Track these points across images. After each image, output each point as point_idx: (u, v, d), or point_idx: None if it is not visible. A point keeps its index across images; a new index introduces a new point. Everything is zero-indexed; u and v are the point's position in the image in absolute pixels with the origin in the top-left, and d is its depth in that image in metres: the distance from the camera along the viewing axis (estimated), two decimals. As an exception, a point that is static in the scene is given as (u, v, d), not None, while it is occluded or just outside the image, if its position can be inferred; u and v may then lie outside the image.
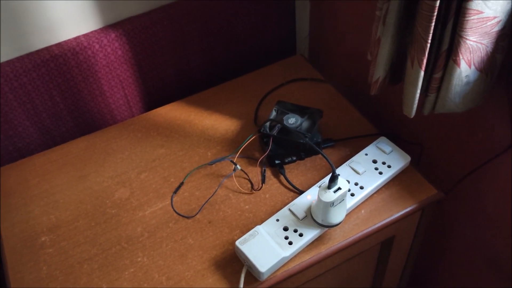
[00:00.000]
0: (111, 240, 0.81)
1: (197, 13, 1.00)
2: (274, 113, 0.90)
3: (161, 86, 1.06)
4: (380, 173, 0.83)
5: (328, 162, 0.71)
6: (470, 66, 0.70)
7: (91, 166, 0.92)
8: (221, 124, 0.97)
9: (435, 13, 0.65)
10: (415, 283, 1.20)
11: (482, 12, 0.64)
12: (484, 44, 0.68)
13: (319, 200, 0.72)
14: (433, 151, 0.95)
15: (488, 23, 0.66)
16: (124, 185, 0.88)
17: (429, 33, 0.67)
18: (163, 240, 0.80)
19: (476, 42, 0.67)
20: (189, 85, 1.10)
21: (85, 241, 0.81)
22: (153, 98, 1.07)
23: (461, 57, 0.68)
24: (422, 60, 0.70)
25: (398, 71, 0.81)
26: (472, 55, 0.69)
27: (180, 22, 0.99)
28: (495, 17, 0.65)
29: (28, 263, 0.79)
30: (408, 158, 0.85)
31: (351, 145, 0.91)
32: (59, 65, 0.91)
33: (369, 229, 0.79)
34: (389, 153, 0.85)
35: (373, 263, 0.94)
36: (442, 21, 0.68)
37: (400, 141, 0.89)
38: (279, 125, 0.86)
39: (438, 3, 0.64)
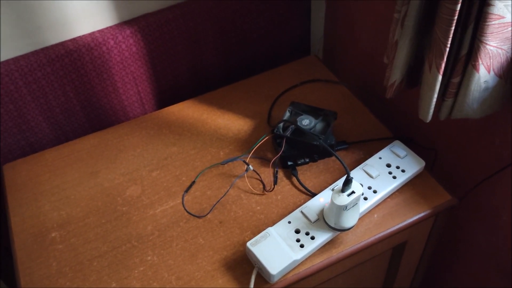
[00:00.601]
0: (121, 238, 0.80)
1: (212, 11, 1.00)
2: (287, 114, 0.89)
3: (174, 84, 1.06)
4: (394, 177, 0.82)
5: (343, 165, 0.70)
6: (489, 72, 0.69)
7: (102, 162, 0.92)
8: (233, 124, 0.97)
9: (456, 17, 0.64)
10: (425, 289, 1.19)
11: (503, 17, 0.63)
12: (504, 50, 0.67)
13: (332, 203, 0.71)
14: (447, 156, 0.94)
15: (509, 28, 0.65)
16: (135, 182, 0.88)
17: (449, 37, 0.66)
18: (173, 239, 0.80)
19: (496, 48, 0.66)
20: (202, 83, 1.09)
21: (95, 238, 0.81)
22: (166, 96, 1.07)
23: (480, 62, 0.67)
24: (441, 64, 0.69)
25: (414, 75, 0.80)
26: (491, 60, 0.68)
27: (195, 20, 0.99)
28: (516, 23, 0.64)
29: (38, 259, 0.79)
30: (423, 163, 0.84)
31: (365, 148, 0.90)
32: (74, 61, 0.91)
33: (382, 234, 0.78)
34: (403, 157, 0.84)
35: (384, 268, 0.93)
36: (462, 25, 0.67)
37: (414, 145, 0.88)
38: (293, 126, 0.86)
39: (459, 6, 0.63)
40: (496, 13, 0.62)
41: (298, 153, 0.87)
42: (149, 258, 0.78)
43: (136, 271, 0.76)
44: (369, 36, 1.04)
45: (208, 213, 0.82)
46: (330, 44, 1.18)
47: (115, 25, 0.94)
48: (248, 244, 0.74)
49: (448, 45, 0.67)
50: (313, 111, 0.90)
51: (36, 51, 0.89)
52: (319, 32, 1.18)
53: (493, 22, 0.63)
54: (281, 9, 1.08)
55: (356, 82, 1.10)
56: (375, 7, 0.98)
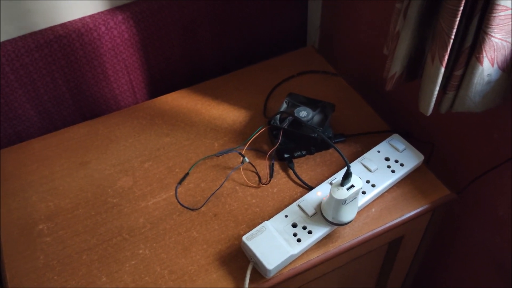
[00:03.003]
0: (112, 231, 0.78)
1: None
2: (285, 105, 0.87)
3: (167, 72, 1.03)
4: (393, 171, 0.80)
5: (343, 158, 0.69)
6: (493, 65, 0.68)
7: (93, 152, 0.89)
8: (228, 114, 0.94)
9: (461, 8, 0.63)
10: (420, 285, 1.18)
11: (510, 9, 0.62)
12: (509, 42, 0.66)
13: (331, 197, 0.70)
14: (445, 150, 0.93)
15: (516, 20, 0.63)
16: (126, 173, 0.85)
17: (453, 28, 0.65)
18: (166, 232, 0.77)
19: (501, 40, 0.65)
20: (196, 73, 1.06)
21: (85, 231, 0.78)
22: (159, 85, 1.04)
23: (484, 54, 0.66)
24: (444, 56, 0.68)
25: (415, 67, 0.79)
26: (496, 53, 0.66)
27: (190, 7, 0.96)
28: (523, 15, 0.63)
29: (25, 251, 0.76)
30: (422, 157, 0.82)
31: (363, 141, 0.88)
32: (63, 46, 0.88)
33: (379, 229, 0.77)
34: (402, 151, 0.83)
35: (379, 262, 0.92)
36: (467, 16, 0.66)
37: (411, 139, 0.87)
38: (290, 117, 0.83)
39: (465, -4, 0.62)
40: (503, 4, 0.61)
41: (294, 146, 0.85)
42: (141, 251, 0.75)
43: (127, 265, 0.74)
44: (367, 27, 1.02)
45: (202, 206, 0.80)
46: (327, 34, 1.16)
47: (107, 10, 0.91)
48: (244, 238, 0.72)
49: (453, 37, 0.66)
50: (311, 103, 0.88)
51: (24, 35, 0.85)
52: (316, 23, 1.16)
53: (499, 14, 0.62)
54: (277, -1, 1.06)
55: (353, 74, 1.08)
56: (374, -3, 0.96)
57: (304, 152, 0.86)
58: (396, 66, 0.77)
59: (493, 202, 0.87)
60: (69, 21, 0.88)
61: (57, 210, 0.81)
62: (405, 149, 0.83)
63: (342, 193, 0.68)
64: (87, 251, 0.76)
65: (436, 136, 0.94)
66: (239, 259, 0.73)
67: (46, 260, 0.75)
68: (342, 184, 0.69)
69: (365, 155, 0.83)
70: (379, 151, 0.83)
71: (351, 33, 1.08)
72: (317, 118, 0.86)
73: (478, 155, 0.87)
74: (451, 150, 0.92)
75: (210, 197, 0.81)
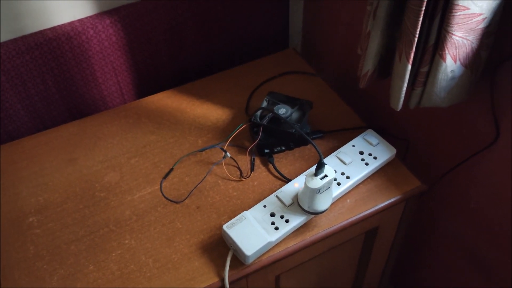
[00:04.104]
0: (99, 223, 0.81)
1: (193, 3, 1.01)
2: (265, 103, 0.92)
3: (154, 74, 1.07)
4: (366, 164, 0.84)
5: (316, 149, 0.73)
6: (455, 62, 0.72)
7: (81, 150, 0.93)
8: (212, 113, 0.98)
9: (423, 8, 0.67)
10: (397, 278, 1.22)
11: (468, 9, 0.66)
12: (469, 40, 0.70)
13: (305, 186, 0.74)
14: (419, 145, 0.97)
15: (474, 20, 0.68)
16: (113, 169, 0.89)
17: (417, 27, 0.69)
18: (151, 224, 0.81)
19: (462, 38, 0.69)
20: (182, 74, 1.10)
21: (73, 223, 0.81)
22: (146, 86, 1.08)
23: (447, 52, 0.70)
24: (410, 54, 0.72)
25: (387, 66, 0.83)
26: (457, 50, 0.71)
27: (176, 11, 1.00)
28: (480, 14, 0.67)
29: (15, 243, 0.79)
30: (394, 151, 0.87)
31: (339, 137, 0.92)
32: (53, 49, 0.92)
33: (354, 218, 0.81)
34: (375, 145, 0.87)
35: (357, 253, 0.96)
36: (430, 16, 0.70)
37: (387, 136, 0.91)
38: (270, 114, 0.88)
39: (426, -2, 0.66)
40: (461, 4, 0.65)
41: (274, 141, 0.89)
42: (126, 241, 0.79)
43: (113, 254, 0.77)
44: (346, 29, 1.07)
45: (185, 199, 0.84)
46: (308, 37, 1.21)
47: (95, 14, 0.95)
48: (224, 226, 0.75)
49: (417, 35, 0.70)
50: (290, 101, 0.92)
51: (15, 38, 0.89)
52: (298, 26, 1.21)
53: (458, 13, 0.66)
54: (261, 3, 1.10)
55: (333, 74, 1.13)
56: (352, 1, 1.00)
57: (283, 148, 0.90)
58: (368, 65, 0.81)
59: (465, 194, 0.91)
60: (59, 25, 0.92)
61: (47, 204, 0.84)
62: (378, 143, 0.87)
63: (316, 182, 0.72)
64: (75, 241, 0.79)
65: (409, 131, 0.98)
66: (220, 248, 0.77)
67: (36, 250, 0.78)
68: (316, 174, 0.73)
69: (340, 149, 0.87)
70: (353, 145, 0.87)
71: (331, 35, 1.13)
72: (295, 115, 0.90)
73: (449, 149, 0.91)
74: (424, 145, 0.97)
75: (193, 190, 0.85)
